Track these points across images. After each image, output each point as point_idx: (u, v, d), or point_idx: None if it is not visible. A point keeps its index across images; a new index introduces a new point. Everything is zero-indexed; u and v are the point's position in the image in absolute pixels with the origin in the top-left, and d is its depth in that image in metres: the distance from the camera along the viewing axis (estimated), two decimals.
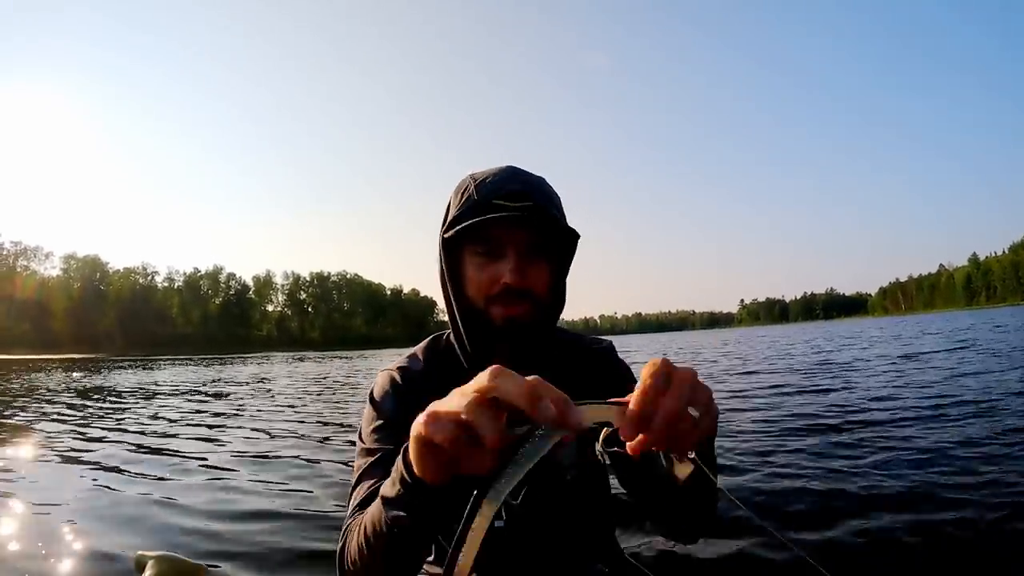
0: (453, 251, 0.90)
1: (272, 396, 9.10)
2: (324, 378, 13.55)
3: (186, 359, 38.66)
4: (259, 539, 2.31)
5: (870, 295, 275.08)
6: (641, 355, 15.53)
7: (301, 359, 33.95)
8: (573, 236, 0.90)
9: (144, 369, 21.87)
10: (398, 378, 0.96)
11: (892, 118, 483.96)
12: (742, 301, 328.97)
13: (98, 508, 2.77)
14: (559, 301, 0.95)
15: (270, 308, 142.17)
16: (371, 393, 0.97)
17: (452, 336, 0.99)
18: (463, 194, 0.90)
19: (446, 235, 0.88)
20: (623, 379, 1.03)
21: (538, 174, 0.95)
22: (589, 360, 1.03)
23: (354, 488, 0.87)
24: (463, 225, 0.85)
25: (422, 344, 1.04)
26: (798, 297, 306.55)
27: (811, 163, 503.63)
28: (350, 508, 0.84)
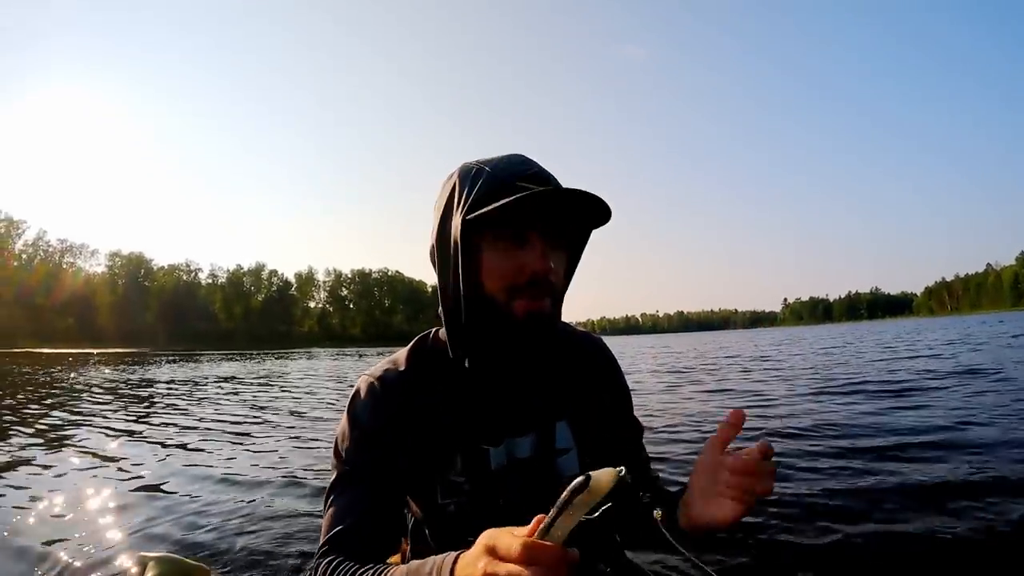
0: (467, 240, 0.78)
1: (294, 395, 8.62)
2: (344, 377, 13.02)
3: (229, 354, 37.93)
4: (261, 540, 2.24)
5: (915, 295, 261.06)
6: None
7: (344, 355, 32.82)
8: (604, 214, 0.79)
9: (182, 364, 20.99)
10: (376, 385, 0.87)
11: (942, 117, 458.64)
12: (785, 300, 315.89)
13: (100, 508, 2.70)
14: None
15: (312, 304, 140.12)
16: (349, 402, 0.88)
17: (443, 333, 0.89)
18: (476, 178, 0.79)
19: (467, 217, 0.76)
20: (616, 372, 1.01)
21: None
22: (586, 352, 0.98)
23: (327, 505, 0.82)
24: (495, 206, 0.73)
25: (408, 347, 0.93)
26: (842, 296, 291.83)
27: (857, 162, 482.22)
28: (324, 534, 0.79)
